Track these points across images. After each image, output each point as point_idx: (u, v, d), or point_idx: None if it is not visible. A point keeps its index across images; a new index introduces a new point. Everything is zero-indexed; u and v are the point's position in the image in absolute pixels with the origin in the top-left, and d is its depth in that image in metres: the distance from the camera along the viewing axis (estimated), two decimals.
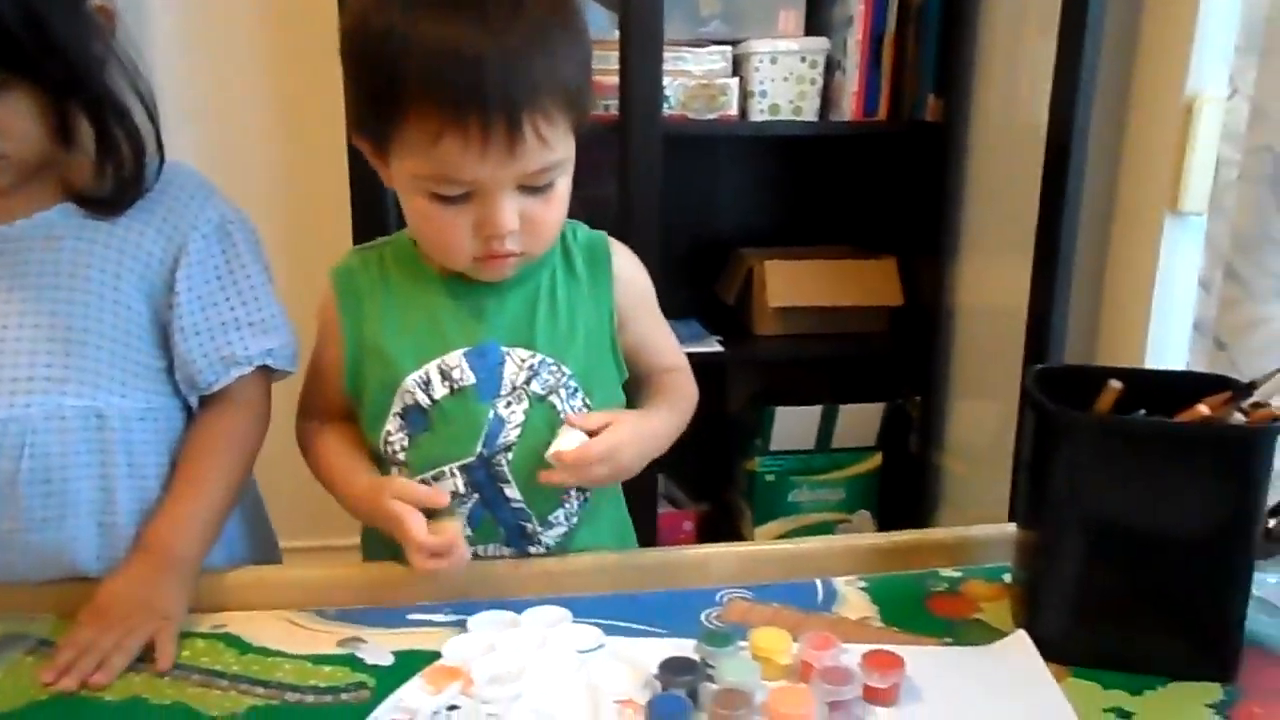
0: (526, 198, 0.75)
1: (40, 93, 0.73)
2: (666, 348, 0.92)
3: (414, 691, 0.66)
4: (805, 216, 2.02)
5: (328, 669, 0.70)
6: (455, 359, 0.81)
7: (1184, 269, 1.25)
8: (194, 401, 0.86)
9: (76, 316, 0.78)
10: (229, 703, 0.67)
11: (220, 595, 0.79)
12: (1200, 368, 1.19)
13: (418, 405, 0.81)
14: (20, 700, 0.67)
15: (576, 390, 0.83)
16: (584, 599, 0.78)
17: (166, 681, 0.69)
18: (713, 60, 1.72)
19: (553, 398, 0.82)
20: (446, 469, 0.82)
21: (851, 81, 1.75)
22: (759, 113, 1.74)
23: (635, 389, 0.92)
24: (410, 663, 0.70)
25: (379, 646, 0.73)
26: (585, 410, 0.83)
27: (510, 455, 0.81)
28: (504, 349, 0.82)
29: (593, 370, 0.84)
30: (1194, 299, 1.23)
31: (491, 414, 0.81)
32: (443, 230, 0.77)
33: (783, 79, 1.73)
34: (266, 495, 1.02)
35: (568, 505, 0.85)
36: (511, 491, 0.83)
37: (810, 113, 1.76)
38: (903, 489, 1.95)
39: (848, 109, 1.76)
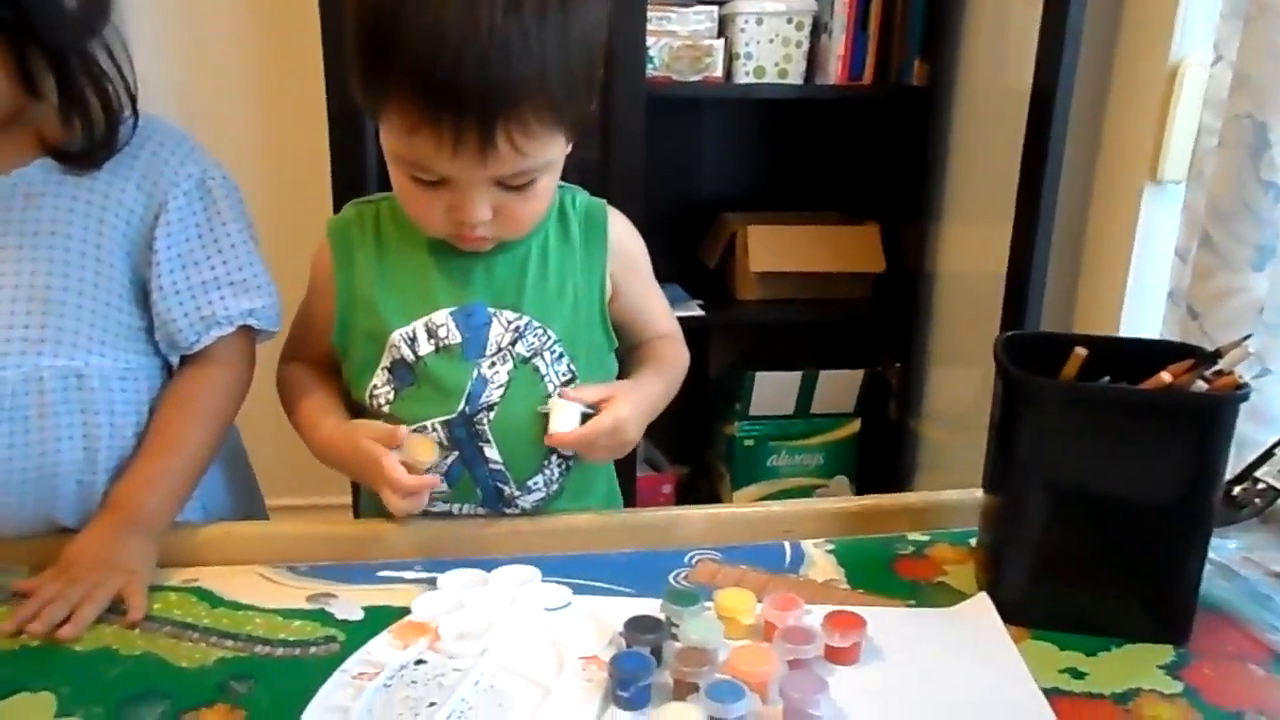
0: (502, 192, 0.75)
1: None
2: (660, 315, 0.93)
3: (382, 646, 0.67)
4: (789, 181, 2.01)
5: (298, 623, 0.71)
6: (442, 317, 0.81)
7: (1162, 237, 1.25)
8: (175, 361, 0.86)
9: (56, 275, 0.77)
10: (199, 655, 0.67)
11: (193, 549, 0.80)
12: (1173, 336, 1.19)
13: (403, 360, 0.82)
14: None
15: (562, 355, 0.83)
16: (554, 559, 0.79)
17: (137, 633, 0.69)
18: (698, 20, 1.70)
19: (537, 360, 0.82)
20: (429, 424, 0.82)
21: (838, 44, 1.73)
22: (744, 75, 1.73)
23: (626, 355, 0.92)
24: (380, 618, 0.71)
25: (349, 602, 0.74)
26: (570, 374, 0.83)
27: (492, 415, 0.82)
28: (491, 310, 0.82)
29: (579, 335, 0.84)
30: (1170, 267, 1.23)
31: (475, 373, 0.81)
32: (417, 206, 0.77)
33: (768, 41, 1.72)
34: (254, 454, 1.02)
35: (547, 471, 0.85)
36: (491, 452, 0.83)
37: (795, 76, 1.75)
38: (881, 455, 1.97)
39: (833, 72, 1.75)
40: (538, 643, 0.67)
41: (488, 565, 0.77)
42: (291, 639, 0.69)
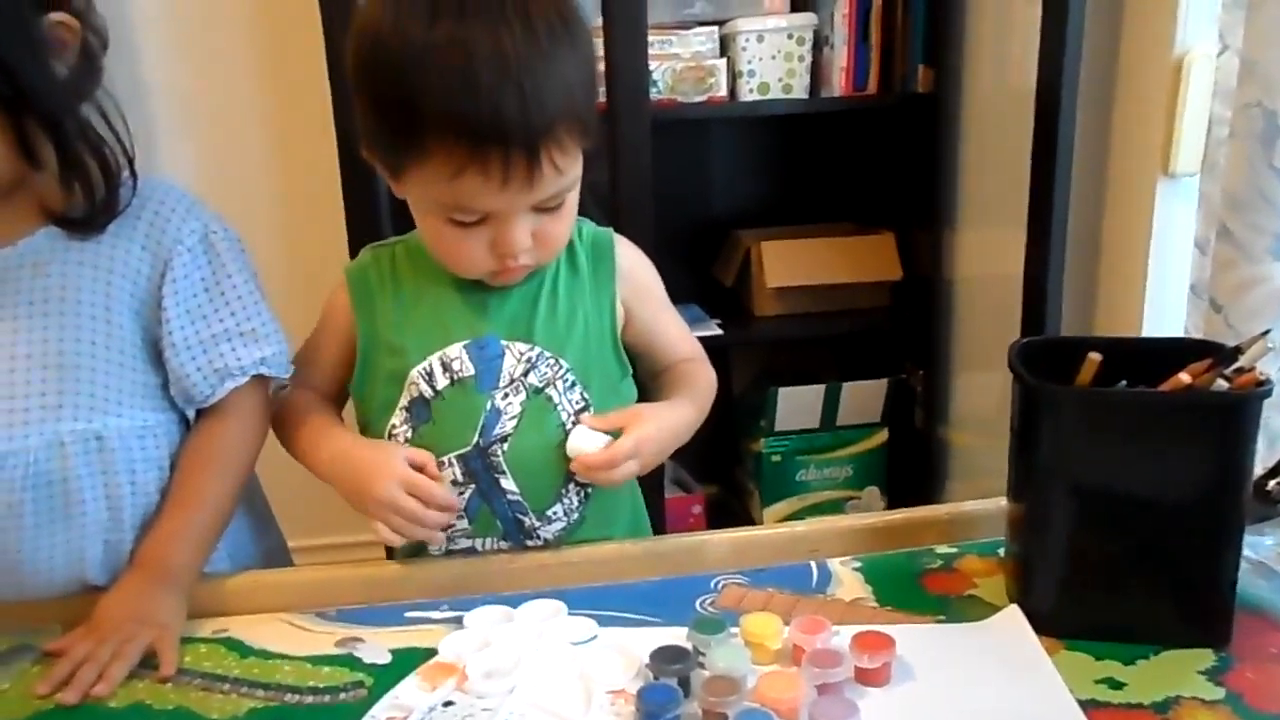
0: (538, 216, 0.77)
1: None
2: (678, 339, 0.93)
3: (410, 689, 0.67)
4: (800, 195, 2.01)
5: (326, 669, 0.71)
6: (456, 350, 0.82)
7: (1179, 231, 1.24)
8: (191, 414, 0.87)
9: (69, 341, 0.78)
10: (230, 706, 0.68)
11: (222, 599, 0.80)
12: (1197, 330, 1.18)
13: (421, 397, 0.82)
14: (27, 710, 0.68)
15: (574, 384, 0.83)
16: (580, 590, 0.79)
17: (169, 687, 0.70)
18: (700, 42, 1.71)
19: (550, 390, 0.83)
20: (445, 459, 0.83)
21: (840, 56, 1.73)
22: (748, 92, 1.74)
23: (651, 383, 0.93)
24: (408, 661, 0.71)
25: (377, 645, 0.74)
26: (584, 403, 0.84)
27: (506, 446, 0.82)
28: (504, 342, 0.83)
29: (590, 364, 0.85)
30: (1190, 261, 1.22)
31: (489, 405, 0.82)
32: (457, 249, 0.79)
33: (770, 57, 1.72)
34: (276, 495, 1.03)
35: (566, 501, 0.85)
36: (507, 483, 0.83)
37: (800, 90, 1.75)
38: (910, 464, 1.95)
39: (838, 84, 1.75)
40: (565, 678, 0.67)
41: (514, 601, 0.77)
42: (320, 686, 0.69)
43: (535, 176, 0.72)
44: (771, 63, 1.73)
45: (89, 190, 0.77)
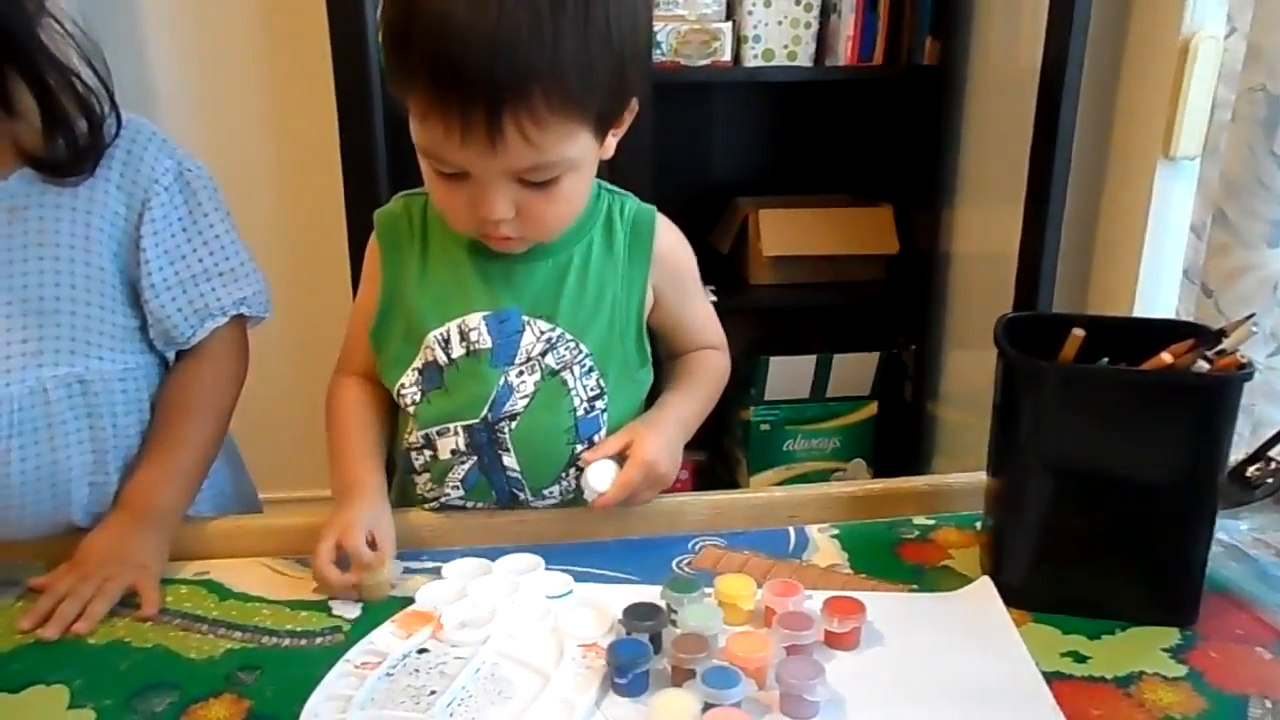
0: (523, 189, 0.72)
1: None
2: (703, 326, 0.91)
3: (385, 635, 0.68)
4: (801, 164, 2.00)
5: (304, 614, 0.72)
6: (475, 321, 0.80)
7: (1176, 215, 1.24)
8: (171, 357, 0.87)
9: (48, 286, 0.77)
10: (208, 646, 0.68)
11: (204, 543, 0.81)
12: (1189, 315, 1.18)
13: (435, 362, 0.81)
14: (8, 644, 0.69)
15: (591, 369, 0.82)
16: (559, 547, 0.79)
17: (148, 626, 0.71)
18: (705, 4, 1.69)
19: (565, 374, 0.81)
20: (451, 427, 0.82)
21: (847, 25, 1.72)
22: (753, 58, 1.72)
23: (669, 363, 0.92)
24: (385, 608, 0.71)
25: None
26: (599, 390, 0.82)
27: (513, 424, 0.81)
28: (525, 318, 0.81)
29: (611, 352, 0.83)
30: (1185, 245, 1.22)
31: (502, 381, 0.81)
32: (443, 199, 0.76)
33: (777, 23, 1.71)
34: (247, 448, 1.03)
35: (564, 482, 0.85)
36: (509, 460, 0.83)
37: (805, 58, 1.74)
38: (898, 437, 1.96)
39: (843, 53, 1.73)
40: (538, 630, 0.68)
41: (494, 555, 0.77)
42: (298, 629, 0.70)
43: (496, 140, 0.67)
44: (778, 28, 1.71)
45: (72, 138, 0.75)
